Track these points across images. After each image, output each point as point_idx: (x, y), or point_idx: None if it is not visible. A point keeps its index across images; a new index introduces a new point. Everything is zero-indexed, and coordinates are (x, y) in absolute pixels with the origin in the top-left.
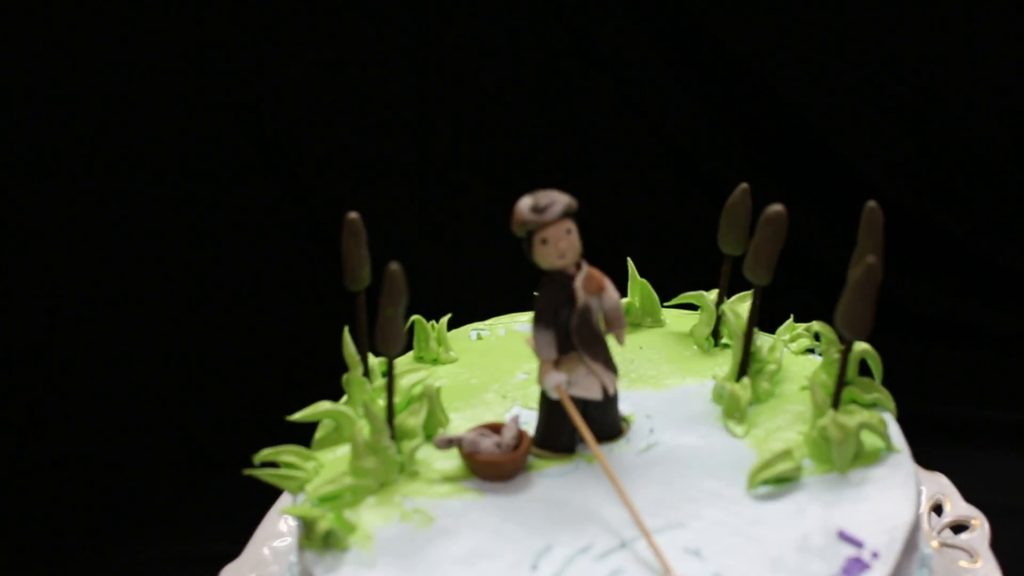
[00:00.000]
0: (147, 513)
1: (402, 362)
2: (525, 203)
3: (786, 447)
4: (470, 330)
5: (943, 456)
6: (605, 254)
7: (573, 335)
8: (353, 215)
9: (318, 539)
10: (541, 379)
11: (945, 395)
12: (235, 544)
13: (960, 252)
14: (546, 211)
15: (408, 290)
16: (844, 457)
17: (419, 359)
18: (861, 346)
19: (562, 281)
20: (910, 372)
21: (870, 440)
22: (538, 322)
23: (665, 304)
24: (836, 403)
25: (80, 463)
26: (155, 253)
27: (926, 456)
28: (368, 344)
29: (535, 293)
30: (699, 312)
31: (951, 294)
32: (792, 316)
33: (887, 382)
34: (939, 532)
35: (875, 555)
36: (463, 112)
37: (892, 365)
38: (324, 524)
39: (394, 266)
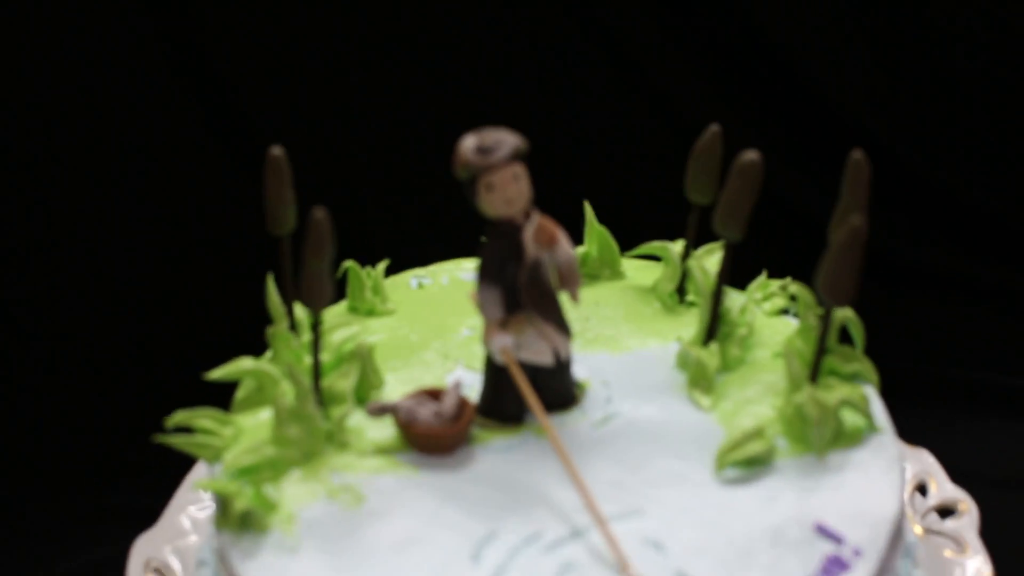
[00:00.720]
0: (59, 475)
1: (333, 314)
2: (468, 143)
3: (758, 424)
4: (410, 277)
5: (926, 426)
6: (559, 197)
7: (522, 293)
8: (276, 150)
9: (235, 519)
10: (486, 341)
11: (927, 356)
12: (153, 509)
13: (949, 200)
14: (492, 153)
15: (335, 239)
16: (822, 438)
17: (353, 310)
18: (843, 312)
19: (509, 232)
20: (889, 330)
21: (851, 418)
22: (482, 278)
23: (625, 254)
24: (814, 376)
25: None
26: (64, 191)
27: (908, 426)
28: (294, 294)
29: (482, 239)
30: (662, 265)
31: (936, 244)
32: (765, 272)
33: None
34: (923, 516)
35: (857, 552)
36: (406, 35)
37: (870, 322)
38: (242, 502)
39: (319, 213)
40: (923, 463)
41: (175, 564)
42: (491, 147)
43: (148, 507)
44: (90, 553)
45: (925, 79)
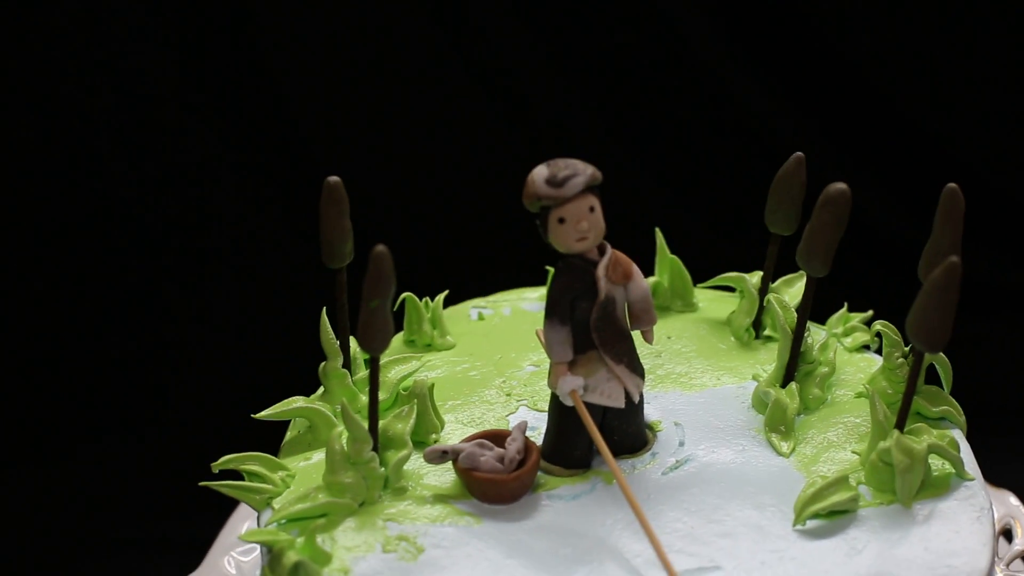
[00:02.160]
0: (101, 515)
1: (390, 347)
2: (540, 174)
3: (840, 472)
4: (470, 307)
5: (1011, 465)
6: (630, 226)
7: (593, 332)
8: (334, 179)
9: (286, 572)
10: (553, 383)
11: (1010, 388)
12: (194, 550)
13: None
14: (565, 184)
15: (395, 276)
16: (909, 487)
17: (410, 343)
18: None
19: (582, 267)
20: (969, 360)
21: (937, 464)
22: (551, 316)
23: (699, 285)
24: (901, 422)
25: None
26: (111, 219)
27: (991, 465)
28: (350, 329)
29: (548, 268)
30: (738, 297)
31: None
32: (846, 305)
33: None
34: (1008, 564)
35: None
36: (472, 59)
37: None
38: (293, 555)
39: (380, 248)
40: (1007, 506)
41: None
42: (564, 178)
43: (193, 544)
44: None
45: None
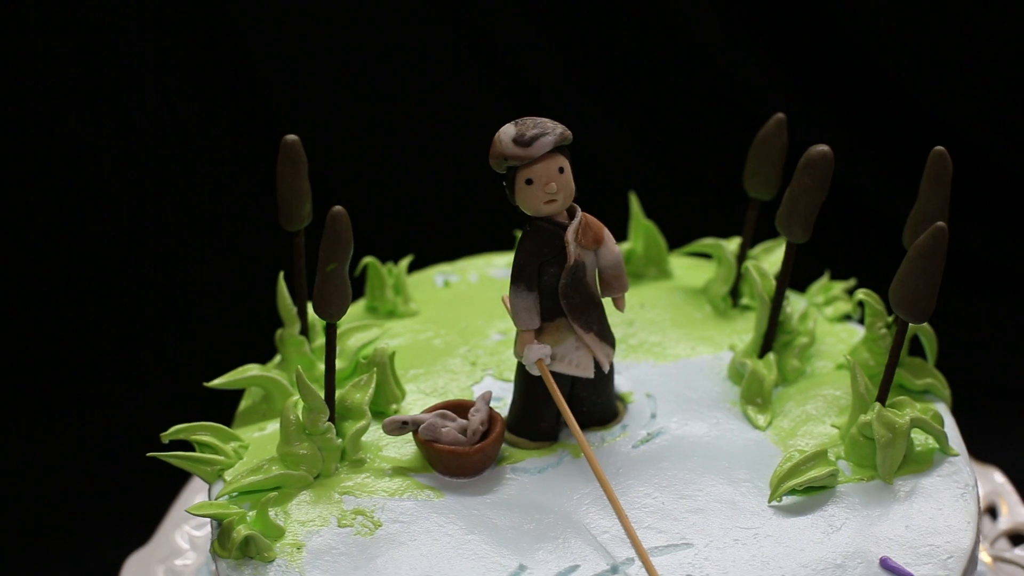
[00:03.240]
0: (48, 487)
1: (350, 315)
2: (507, 133)
3: (819, 446)
4: (436, 274)
5: (997, 441)
6: (603, 189)
7: (561, 299)
8: (291, 138)
9: (235, 547)
10: (519, 352)
11: (997, 364)
12: (145, 525)
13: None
14: (533, 144)
15: (353, 239)
16: (890, 462)
17: (371, 310)
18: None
19: (550, 231)
20: (955, 334)
21: (920, 438)
22: (517, 282)
23: (674, 251)
24: (883, 395)
25: None
26: (57, 184)
27: (977, 442)
28: (308, 294)
29: (517, 233)
30: (715, 264)
31: (1014, 243)
32: (828, 273)
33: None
34: (993, 542)
35: None
36: (441, 17)
37: (935, 321)
38: (243, 529)
39: (337, 209)
40: (993, 483)
41: None
42: (532, 137)
43: (143, 519)
44: (80, 568)
45: (1013, 69)
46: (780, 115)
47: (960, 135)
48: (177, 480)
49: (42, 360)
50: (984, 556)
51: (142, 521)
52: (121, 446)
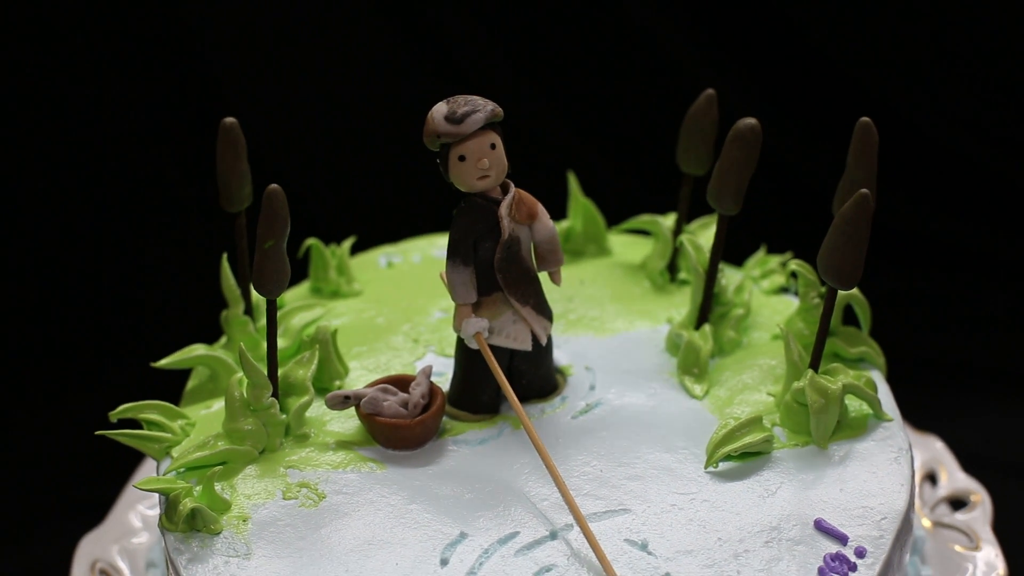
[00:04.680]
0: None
1: (295, 295)
2: (439, 111)
3: (754, 413)
4: (379, 255)
5: (937, 412)
6: (541, 169)
7: (497, 273)
8: (229, 120)
9: (182, 520)
10: (457, 325)
11: (937, 337)
12: (99, 506)
13: (964, 170)
14: (464, 121)
15: (291, 213)
16: (824, 428)
17: (316, 291)
18: (847, 291)
19: (484, 206)
20: (896, 309)
21: (855, 405)
22: (453, 257)
23: (612, 229)
24: (816, 362)
25: None
26: (8, 168)
27: (917, 412)
28: (251, 275)
29: (455, 213)
30: (652, 240)
31: (950, 217)
32: (764, 247)
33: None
34: (933, 509)
35: (860, 552)
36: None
37: (874, 300)
38: (190, 502)
39: (273, 187)
40: (933, 451)
41: (122, 566)
42: (463, 114)
43: (95, 503)
44: (32, 552)
45: (937, 40)
46: (710, 91)
47: (889, 106)
48: (128, 464)
49: None
50: (925, 522)
51: (96, 506)
52: (70, 432)
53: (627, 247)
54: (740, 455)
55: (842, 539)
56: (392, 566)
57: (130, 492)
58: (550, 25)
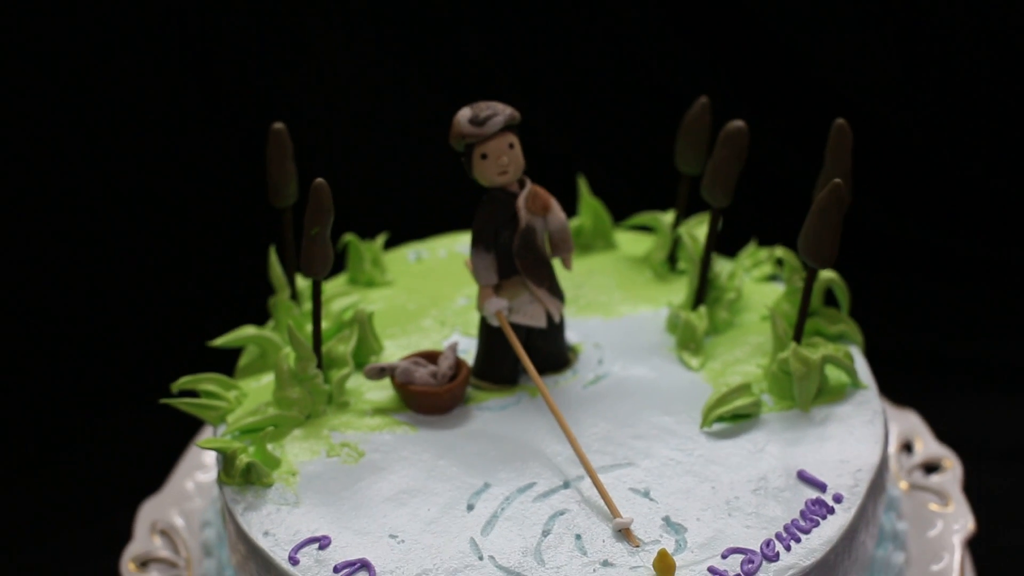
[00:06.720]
0: (64, 444)
1: (334, 285)
2: (463, 115)
3: (744, 381)
4: (408, 250)
5: (915, 391)
6: (555, 171)
7: (516, 258)
8: (279, 125)
9: (238, 474)
10: (480, 305)
11: (919, 326)
12: (157, 475)
13: (939, 171)
14: (486, 123)
15: (334, 207)
16: (806, 393)
17: (352, 282)
18: (827, 274)
19: (503, 199)
20: (881, 301)
21: (835, 375)
22: (476, 244)
23: (618, 225)
24: (799, 335)
25: None
26: (71, 168)
27: (896, 391)
28: (296, 264)
29: (477, 206)
30: (654, 235)
31: (928, 218)
32: (755, 240)
33: (855, 312)
34: (909, 473)
35: (838, 498)
36: (406, 11)
37: (862, 293)
38: (245, 458)
39: (319, 181)
40: (909, 422)
41: (179, 524)
42: (485, 118)
43: (148, 483)
44: (98, 518)
45: (913, 47)
46: (704, 99)
47: (866, 110)
48: (183, 439)
49: (56, 321)
50: (902, 484)
51: (155, 476)
52: (132, 399)
53: (631, 242)
54: (732, 417)
55: (821, 487)
56: (424, 511)
57: (185, 462)
58: (564, 41)
